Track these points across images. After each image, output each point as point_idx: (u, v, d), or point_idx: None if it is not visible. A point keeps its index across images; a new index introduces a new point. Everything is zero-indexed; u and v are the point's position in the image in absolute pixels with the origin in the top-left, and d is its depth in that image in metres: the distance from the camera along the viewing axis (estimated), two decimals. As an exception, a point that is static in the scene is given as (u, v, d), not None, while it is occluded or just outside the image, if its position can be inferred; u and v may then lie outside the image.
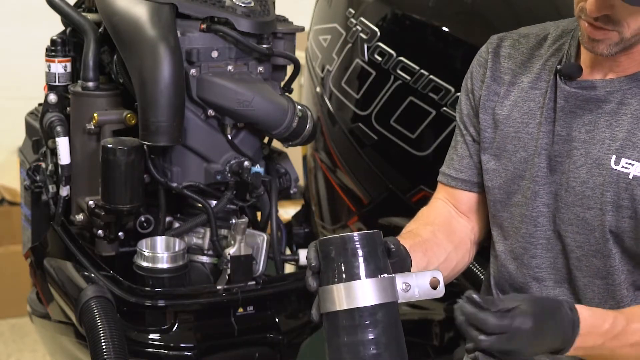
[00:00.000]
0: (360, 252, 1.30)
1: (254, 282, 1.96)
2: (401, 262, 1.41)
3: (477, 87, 1.70)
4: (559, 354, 1.40)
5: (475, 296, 1.31)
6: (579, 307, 1.39)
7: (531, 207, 1.61)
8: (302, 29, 2.07)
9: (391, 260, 1.36)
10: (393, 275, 1.32)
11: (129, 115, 1.98)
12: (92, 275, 1.92)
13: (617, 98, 1.52)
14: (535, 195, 1.60)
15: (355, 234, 1.30)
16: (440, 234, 1.67)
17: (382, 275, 1.30)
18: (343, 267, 1.30)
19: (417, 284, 1.34)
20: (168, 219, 2.02)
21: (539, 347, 1.35)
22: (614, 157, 1.51)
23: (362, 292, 1.28)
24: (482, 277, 2.07)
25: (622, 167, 1.50)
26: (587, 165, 1.54)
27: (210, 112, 1.94)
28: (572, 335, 1.37)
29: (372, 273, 1.29)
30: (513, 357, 1.34)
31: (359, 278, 1.29)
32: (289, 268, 2.19)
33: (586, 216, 1.54)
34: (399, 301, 1.33)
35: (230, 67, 1.94)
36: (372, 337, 1.27)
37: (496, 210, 1.68)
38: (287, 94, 2.06)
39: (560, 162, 1.57)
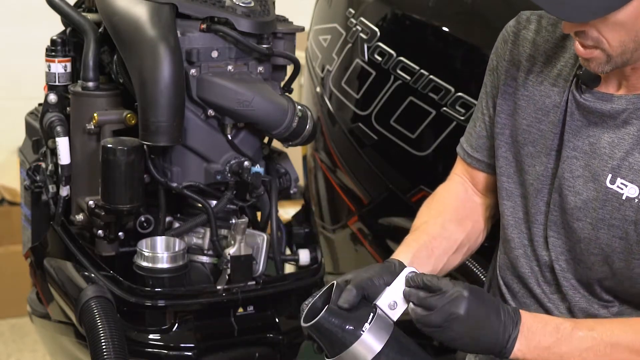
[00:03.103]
0: (332, 326, 1.40)
1: (254, 282, 1.96)
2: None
3: (501, 66, 1.68)
4: (501, 354, 1.43)
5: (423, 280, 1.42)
6: (520, 311, 1.45)
7: (532, 202, 1.61)
8: (302, 29, 2.06)
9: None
10: (372, 312, 1.42)
11: (129, 115, 1.98)
12: (92, 275, 1.92)
13: (623, 116, 1.50)
14: (537, 192, 1.61)
15: (321, 314, 1.40)
16: (451, 225, 1.70)
17: (365, 325, 1.40)
18: (335, 342, 1.41)
19: (398, 295, 1.44)
20: (168, 219, 2.02)
21: (476, 336, 1.40)
22: (610, 175, 1.50)
23: (362, 350, 1.40)
24: (482, 277, 2.08)
25: (617, 186, 1.49)
26: (583, 177, 1.53)
27: (210, 112, 1.94)
28: (514, 328, 1.42)
29: (357, 332, 1.40)
30: (451, 339, 1.42)
31: (352, 343, 1.40)
32: (289, 268, 2.19)
33: (573, 226, 1.55)
34: (395, 319, 1.43)
35: (230, 67, 1.94)
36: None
37: (501, 197, 1.68)
38: (287, 94, 2.05)
39: (562, 166, 1.56)
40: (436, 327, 1.40)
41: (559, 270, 1.60)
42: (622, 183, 1.48)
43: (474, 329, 1.40)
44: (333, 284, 1.44)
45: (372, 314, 1.41)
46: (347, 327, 1.39)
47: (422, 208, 1.77)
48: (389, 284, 1.45)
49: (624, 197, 1.48)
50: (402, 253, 1.61)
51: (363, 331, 1.39)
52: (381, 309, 1.43)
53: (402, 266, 1.50)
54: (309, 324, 1.40)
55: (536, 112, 1.61)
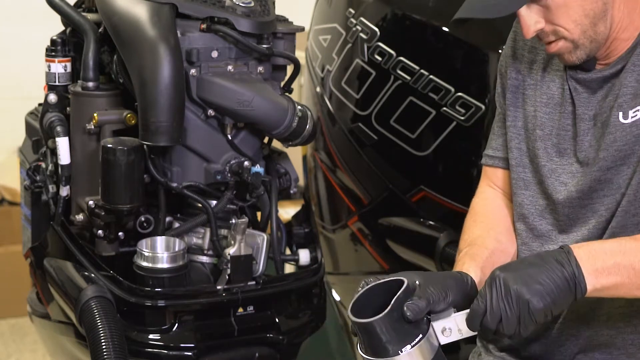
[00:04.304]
0: (382, 332, 1.37)
1: (254, 282, 1.96)
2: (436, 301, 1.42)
3: (507, 63, 1.72)
4: (578, 290, 1.38)
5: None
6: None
7: (548, 183, 1.63)
8: (302, 29, 2.07)
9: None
10: (423, 331, 1.39)
11: (129, 115, 1.98)
12: (92, 275, 1.92)
13: (625, 69, 1.53)
14: (551, 173, 1.62)
15: (379, 316, 1.37)
16: (503, 237, 1.71)
17: (414, 341, 1.38)
18: (377, 345, 1.39)
19: (455, 325, 1.42)
20: (168, 219, 2.02)
21: (543, 287, 1.36)
22: (620, 113, 1.51)
23: None
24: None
25: (632, 118, 1.50)
26: (603, 133, 1.54)
27: (210, 112, 1.94)
28: (569, 256, 1.39)
29: (403, 346, 1.38)
30: (539, 312, 1.37)
31: (394, 354, 1.38)
32: (289, 268, 2.19)
33: (619, 181, 1.54)
34: (443, 344, 1.41)
35: (230, 67, 1.94)
36: None
37: (518, 187, 1.68)
38: (287, 94, 2.05)
39: (582, 140, 1.58)
40: (518, 318, 1.36)
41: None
42: (635, 111, 1.50)
43: (532, 282, 1.36)
44: (403, 281, 1.40)
45: (422, 334, 1.39)
46: (395, 337, 1.37)
47: (468, 222, 1.76)
48: (455, 302, 1.43)
49: None
50: (471, 268, 1.58)
51: (408, 347, 1.38)
52: (434, 329, 1.41)
53: (474, 285, 1.48)
54: (359, 321, 1.38)
55: (541, 97, 1.64)
